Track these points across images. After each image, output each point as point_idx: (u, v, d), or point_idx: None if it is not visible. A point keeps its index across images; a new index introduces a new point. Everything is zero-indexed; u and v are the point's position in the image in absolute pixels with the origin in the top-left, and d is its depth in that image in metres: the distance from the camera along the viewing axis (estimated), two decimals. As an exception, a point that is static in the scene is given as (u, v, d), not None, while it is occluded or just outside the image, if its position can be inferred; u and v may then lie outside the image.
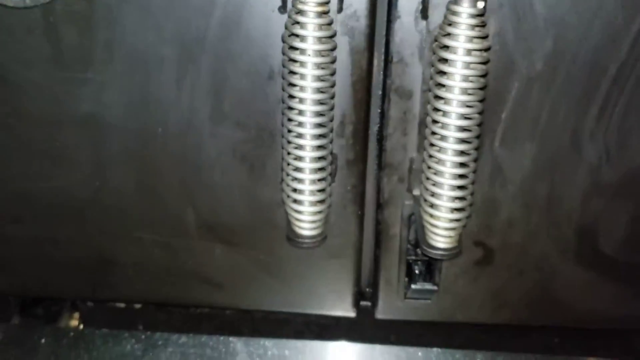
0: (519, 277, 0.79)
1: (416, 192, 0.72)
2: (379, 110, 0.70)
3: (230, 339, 0.80)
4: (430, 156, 0.63)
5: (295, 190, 0.65)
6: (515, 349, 0.82)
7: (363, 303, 0.81)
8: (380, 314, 0.81)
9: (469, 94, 0.58)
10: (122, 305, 0.88)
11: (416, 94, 0.68)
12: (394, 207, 0.74)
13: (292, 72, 0.60)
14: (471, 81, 0.58)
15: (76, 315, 0.87)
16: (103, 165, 0.74)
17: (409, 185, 0.73)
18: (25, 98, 0.71)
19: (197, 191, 0.75)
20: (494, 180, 0.72)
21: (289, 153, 0.64)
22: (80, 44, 0.68)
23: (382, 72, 0.68)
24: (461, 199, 0.63)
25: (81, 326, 0.87)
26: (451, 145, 0.60)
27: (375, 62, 0.68)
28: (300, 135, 0.62)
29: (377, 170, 0.73)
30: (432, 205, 0.64)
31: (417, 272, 0.77)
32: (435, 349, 0.81)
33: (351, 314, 0.82)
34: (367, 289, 0.81)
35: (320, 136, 0.62)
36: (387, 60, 0.68)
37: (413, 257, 0.77)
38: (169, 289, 0.81)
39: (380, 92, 0.69)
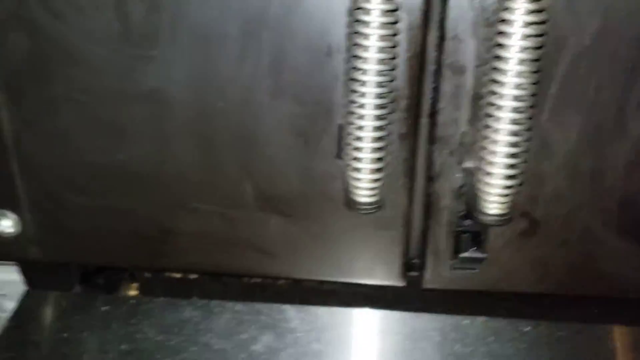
0: (563, 247, 0.81)
1: (467, 164, 0.75)
2: (432, 86, 0.73)
3: (283, 306, 0.84)
4: (486, 126, 0.66)
5: (355, 158, 0.68)
6: (558, 319, 0.85)
7: (411, 273, 0.84)
8: (427, 284, 0.84)
9: (526, 66, 0.61)
10: (178, 275, 0.92)
11: (469, 70, 0.71)
12: (444, 179, 0.77)
13: (357, 44, 0.63)
14: (528, 53, 0.61)
15: (134, 285, 0.91)
16: (165, 139, 0.78)
17: (459, 158, 0.75)
18: (93, 75, 0.75)
19: (254, 164, 0.78)
20: (540, 152, 0.75)
21: (350, 123, 0.67)
22: (147, 21, 0.71)
23: (436, 48, 0.71)
24: (515, 166, 0.66)
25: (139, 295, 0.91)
26: (507, 115, 0.63)
27: (430, 38, 0.70)
28: (362, 106, 0.65)
29: (429, 144, 0.76)
30: (487, 174, 0.67)
31: (464, 242, 0.80)
32: (480, 318, 0.84)
33: (399, 283, 0.85)
34: (415, 260, 0.84)
35: (380, 106, 0.65)
36: (442, 37, 0.70)
37: (461, 228, 0.80)
38: (224, 259, 0.85)
39: (434, 68, 0.72)
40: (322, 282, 0.91)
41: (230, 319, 0.83)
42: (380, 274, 0.85)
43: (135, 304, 0.85)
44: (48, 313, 0.85)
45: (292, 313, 0.84)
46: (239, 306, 0.85)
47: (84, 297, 0.87)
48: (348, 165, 0.70)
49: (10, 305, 1.07)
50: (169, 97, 0.75)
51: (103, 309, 0.85)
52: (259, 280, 0.93)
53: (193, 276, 0.93)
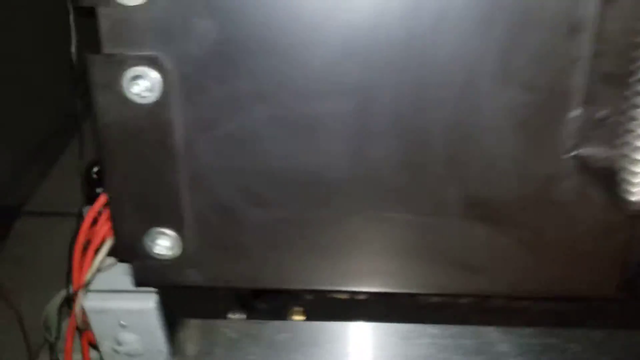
0: None
1: None
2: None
3: (488, 328, 0.73)
4: None
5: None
6: None
7: (629, 284, 0.74)
8: (649, 295, 0.74)
9: None
10: (344, 297, 0.81)
11: None
12: (686, 174, 0.67)
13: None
14: None
15: (299, 309, 0.80)
16: (364, 138, 0.67)
17: None
18: (291, 66, 0.64)
19: (465, 163, 0.68)
20: None
21: (637, 106, 0.57)
22: (362, 0, 0.61)
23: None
24: None
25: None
26: None
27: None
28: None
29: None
30: None
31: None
32: None
33: (615, 296, 0.75)
34: (636, 268, 0.74)
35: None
36: None
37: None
38: (416, 275, 0.74)
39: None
40: (509, 299, 0.81)
41: (429, 344, 0.73)
42: (594, 287, 0.75)
43: (308, 328, 0.74)
44: (217, 345, 0.73)
45: (496, 335, 0.73)
46: (431, 329, 0.74)
47: (250, 325, 0.75)
48: (625, 156, 0.60)
49: (131, 337, 0.95)
50: (376, 88, 0.65)
51: (278, 337, 0.73)
52: (436, 299, 0.82)
53: (360, 297, 0.82)
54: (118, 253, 0.76)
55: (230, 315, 0.80)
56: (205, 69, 0.65)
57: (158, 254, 0.73)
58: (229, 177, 0.70)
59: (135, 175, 0.70)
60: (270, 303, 0.82)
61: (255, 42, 0.63)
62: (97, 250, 0.98)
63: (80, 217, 1.13)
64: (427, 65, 0.64)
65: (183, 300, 0.82)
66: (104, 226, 1.00)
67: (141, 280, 0.77)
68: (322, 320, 0.77)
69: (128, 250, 0.74)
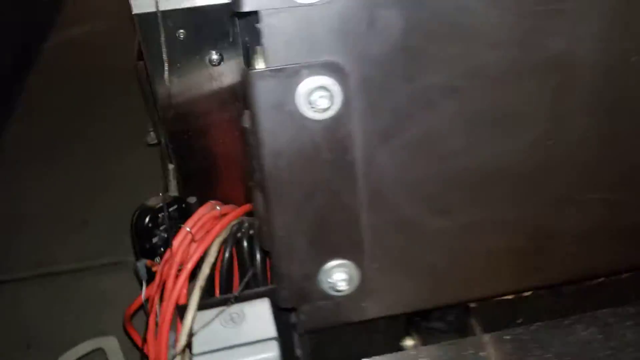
0: None
1: None
2: None
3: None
4: None
5: None
6: None
7: None
8: None
9: None
10: (510, 297, 0.75)
11: None
12: None
13: None
14: None
15: (474, 320, 0.73)
16: (561, 117, 0.62)
17: None
18: (481, 49, 0.57)
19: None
20: None
21: None
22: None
23: None
24: None
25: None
26: None
27: None
28: None
29: None
30: None
31: None
32: None
33: None
34: None
35: None
36: None
37: None
38: (609, 257, 0.70)
39: None
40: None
41: (631, 327, 0.68)
42: None
43: (512, 340, 0.67)
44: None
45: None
46: (629, 309, 0.69)
47: (450, 345, 0.67)
48: None
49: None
50: (575, 60, 0.59)
51: (481, 354, 0.66)
52: (598, 280, 0.77)
53: (526, 294, 0.76)
54: (283, 301, 0.65)
55: (407, 343, 0.71)
56: (390, 67, 0.57)
57: (336, 290, 0.64)
58: (410, 187, 0.62)
59: (309, 203, 0.60)
60: (446, 320, 0.74)
61: (445, 26, 0.56)
62: (178, 309, 0.86)
63: (136, 273, 1.00)
64: (628, 26, 0.59)
65: (340, 341, 0.72)
66: (180, 279, 0.88)
67: (310, 326, 0.67)
68: (502, 329, 0.70)
69: (298, 294, 0.64)
